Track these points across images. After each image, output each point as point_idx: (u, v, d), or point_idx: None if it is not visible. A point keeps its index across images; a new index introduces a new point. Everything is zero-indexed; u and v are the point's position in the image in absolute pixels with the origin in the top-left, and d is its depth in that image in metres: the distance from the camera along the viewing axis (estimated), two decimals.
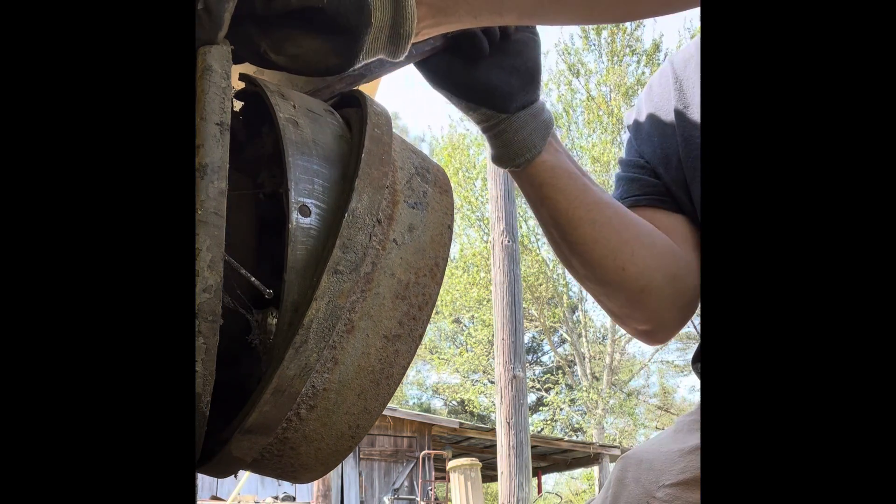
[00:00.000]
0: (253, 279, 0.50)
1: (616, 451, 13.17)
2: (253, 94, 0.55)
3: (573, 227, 0.79)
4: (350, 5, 0.49)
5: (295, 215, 0.49)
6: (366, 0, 0.49)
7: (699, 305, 0.86)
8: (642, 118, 0.95)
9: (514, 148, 0.73)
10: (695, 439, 0.79)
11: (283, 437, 0.51)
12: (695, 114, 0.87)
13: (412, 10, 0.51)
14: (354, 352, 0.51)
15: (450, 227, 0.57)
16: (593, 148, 17.11)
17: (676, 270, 0.83)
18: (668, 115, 0.91)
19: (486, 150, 0.69)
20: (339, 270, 0.49)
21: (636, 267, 0.80)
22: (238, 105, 0.59)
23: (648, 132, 0.93)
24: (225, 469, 0.52)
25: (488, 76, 0.69)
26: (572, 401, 19.23)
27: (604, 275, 0.81)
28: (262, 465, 0.54)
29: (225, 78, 0.49)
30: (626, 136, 0.99)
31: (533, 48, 0.71)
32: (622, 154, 0.97)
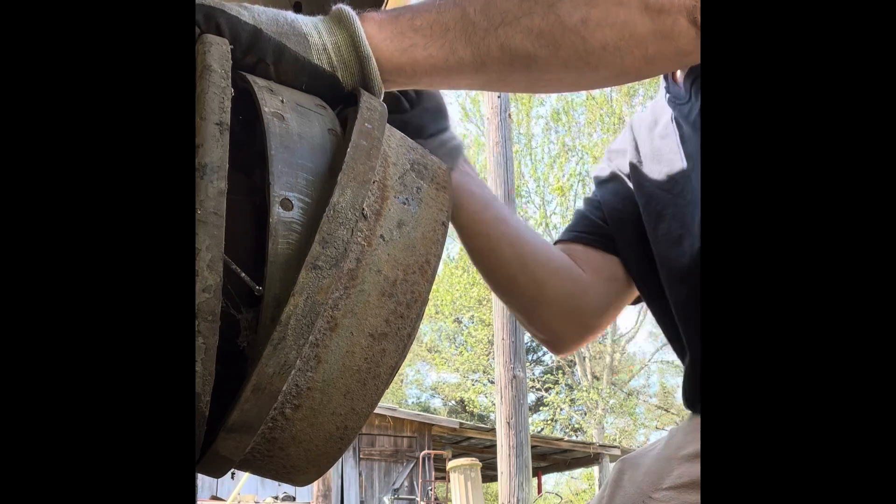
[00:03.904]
0: (242, 274, 0.49)
1: (616, 451, 13.15)
2: (245, 90, 0.55)
3: (471, 240, 0.92)
4: (324, 88, 0.59)
5: (276, 209, 0.49)
6: (336, 79, 0.59)
7: (599, 329, 1.00)
8: (604, 171, 1.07)
9: None
10: (691, 447, 0.83)
11: (270, 437, 0.51)
12: (649, 172, 0.98)
13: (378, 84, 0.61)
14: (339, 350, 0.50)
15: (444, 224, 0.56)
16: (594, 147, 17.10)
17: (572, 289, 0.96)
18: (620, 173, 1.03)
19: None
20: (318, 266, 0.48)
21: (527, 278, 0.93)
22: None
23: (607, 185, 1.05)
24: (215, 468, 0.52)
25: (408, 115, 0.82)
26: (572, 401, 19.21)
27: (498, 283, 0.95)
28: (255, 466, 0.54)
29: (224, 78, 0.49)
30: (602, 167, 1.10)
31: (438, 92, 0.84)
32: (590, 194, 1.10)
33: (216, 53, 0.50)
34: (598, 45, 0.58)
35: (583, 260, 0.99)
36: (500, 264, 0.92)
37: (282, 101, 0.53)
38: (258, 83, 0.54)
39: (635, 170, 1.00)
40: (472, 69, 0.61)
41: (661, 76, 0.97)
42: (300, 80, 0.58)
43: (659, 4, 0.57)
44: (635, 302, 1.04)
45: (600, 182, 1.07)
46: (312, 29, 0.59)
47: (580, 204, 1.09)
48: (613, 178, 1.05)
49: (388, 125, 0.57)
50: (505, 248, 0.91)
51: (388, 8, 0.64)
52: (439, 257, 0.55)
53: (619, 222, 1.00)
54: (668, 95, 0.96)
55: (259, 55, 0.56)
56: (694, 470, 0.80)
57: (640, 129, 1.03)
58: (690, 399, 0.89)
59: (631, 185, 1.01)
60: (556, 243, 1.03)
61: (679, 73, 0.95)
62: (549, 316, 0.97)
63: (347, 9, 0.60)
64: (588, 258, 1.00)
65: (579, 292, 0.96)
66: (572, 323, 0.98)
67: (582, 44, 0.58)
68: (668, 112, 0.97)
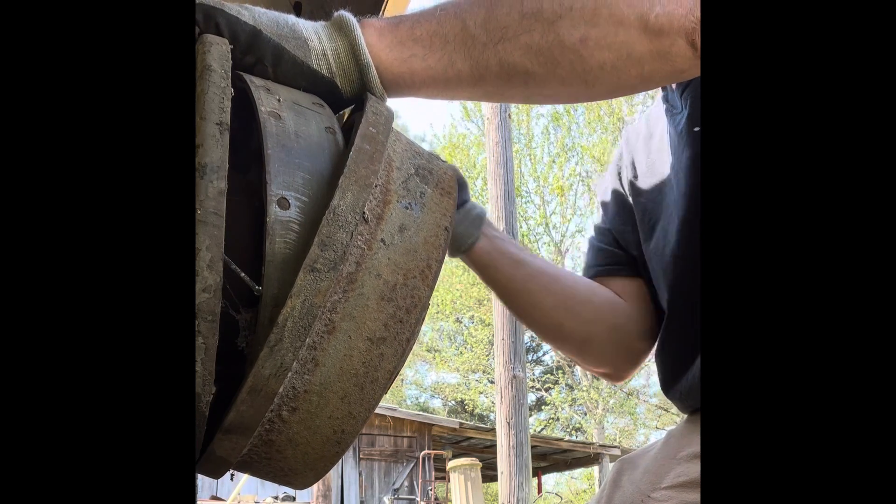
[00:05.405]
0: (242, 274, 0.49)
1: (616, 451, 13.15)
2: (243, 90, 0.55)
3: (512, 298, 0.96)
4: (323, 93, 0.59)
5: (273, 208, 0.48)
6: (335, 84, 0.59)
7: (649, 350, 1.01)
8: (607, 192, 1.09)
9: (455, 239, 0.89)
10: (689, 448, 0.84)
11: (267, 439, 0.51)
12: (644, 186, 1.00)
13: (378, 91, 0.61)
14: (336, 353, 0.50)
15: (447, 229, 0.55)
16: (594, 147, 17.11)
17: (616, 321, 0.98)
18: (622, 190, 1.05)
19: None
20: (316, 268, 0.47)
21: (573, 322, 0.97)
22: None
23: (611, 206, 1.07)
24: (213, 469, 0.52)
25: None
26: (573, 400, 19.21)
27: (546, 332, 0.99)
28: (253, 468, 0.54)
29: (224, 78, 0.49)
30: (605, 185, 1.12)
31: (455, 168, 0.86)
32: (596, 220, 1.12)
33: (216, 53, 0.50)
34: (595, 65, 0.58)
35: (616, 290, 1.01)
36: (545, 314, 0.95)
37: (279, 100, 0.53)
38: (255, 82, 0.54)
39: (633, 186, 1.01)
40: (470, 82, 0.61)
41: None
42: (298, 84, 0.58)
43: (658, 25, 0.57)
44: None
45: (605, 206, 1.08)
46: (313, 34, 0.59)
47: (589, 232, 1.11)
48: (614, 198, 1.06)
49: (394, 129, 0.57)
50: (547, 299, 0.94)
51: (387, 12, 0.64)
52: (441, 262, 0.54)
53: (634, 244, 1.01)
54: (665, 105, 0.97)
55: (258, 55, 0.56)
56: (692, 469, 0.80)
57: (637, 142, 1.03)
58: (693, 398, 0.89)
59: (631, 201, 1.01)
60: None
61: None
62: (602, 351, 0.99)
63: (349, 16, 0.60)
64: (620, 287, 1.02)
65: (624, 321, 0.99)
66: (624, 352, 1.00)
67: (580, 63, 0.58)
68: (662, 123, 0.97)
